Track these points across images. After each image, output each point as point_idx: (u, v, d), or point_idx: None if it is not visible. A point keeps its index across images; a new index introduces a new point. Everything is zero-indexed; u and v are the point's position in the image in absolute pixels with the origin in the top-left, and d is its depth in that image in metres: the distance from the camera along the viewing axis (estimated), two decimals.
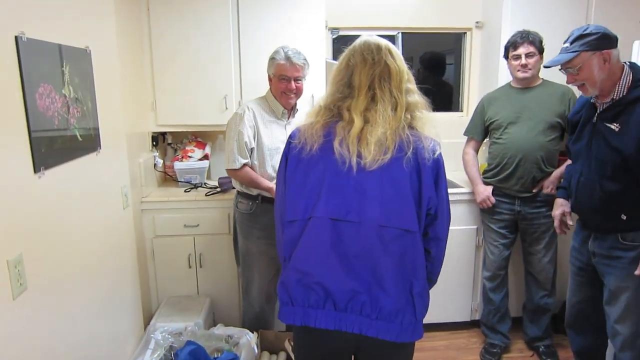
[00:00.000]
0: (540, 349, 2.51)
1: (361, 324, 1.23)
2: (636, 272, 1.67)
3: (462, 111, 3.20)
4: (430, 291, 2.65)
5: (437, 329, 2.75)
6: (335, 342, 1.29)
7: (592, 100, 1.80)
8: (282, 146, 1.42)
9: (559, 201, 2.03)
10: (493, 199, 2.43)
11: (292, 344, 2.03)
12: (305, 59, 2.13)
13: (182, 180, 2.72)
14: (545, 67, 1.88)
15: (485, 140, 2.56)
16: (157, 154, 2.71)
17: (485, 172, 2.51)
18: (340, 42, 2.88)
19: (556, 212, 2.03)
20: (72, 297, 1.48)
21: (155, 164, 2.67)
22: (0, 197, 1.12)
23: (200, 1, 2.50)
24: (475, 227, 2.64)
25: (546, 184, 2.32)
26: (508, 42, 2.34)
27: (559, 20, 2.65)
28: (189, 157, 2.77)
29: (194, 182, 2.70)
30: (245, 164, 2.12)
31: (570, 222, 2.00)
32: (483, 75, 3.04)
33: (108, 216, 1.80)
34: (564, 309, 2.69)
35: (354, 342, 1.28)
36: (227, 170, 2.18)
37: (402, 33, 3.02)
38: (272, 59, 2.14)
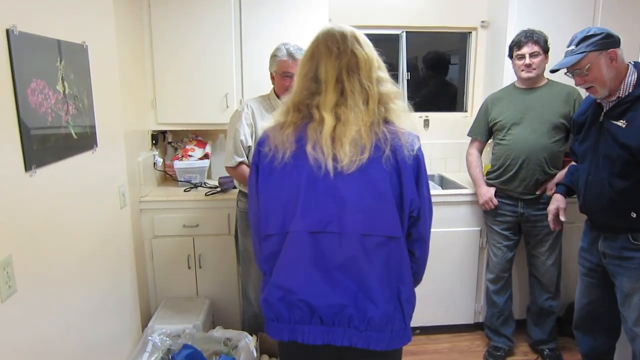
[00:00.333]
0: (545, 352, 2.47)
1: (351, 336, 1.18)
2: None
3: (466, 111, 3.16)
4: (433, 292, 2.61)
5: (440, 332, 2.72)
6: (322, 355, 1.24)
7: (598, 100, 1.80)
8: None
9: (556, 196, 2.08)
10: (495, 201, 2.39)
11: None
12: None
13: (182, 179, 2.69)
14: (551, 71, 1.88)
15: (489, 141, 2.52)
16: (157, 152, 2.68)
17: (488, 173, 2.48)
18: None
19: (551, 207, 2.07)
20: (65, 300, 1.45)
21: (154, 163, 2.64)
22: None
23: None
24: (478, 228, 2.60)
25: (550, 186, 2.28)
26: (512, 42, 2.31)
27: (565, 19, 2.62)
28: (189, 156, 2.74)
29: (194, 182, 2.67)
30: (241, 162, 2.10)
31: (562, 218, 2.03)
32: (488, 75, 3.01)
33: (104, 216, 1.76)
34: (568, 312, 2.68)
35: (343, 351, 1.23)
36: (225, 168, 2.19)
37: (406, 32, 2.98)
38: (273, 56, 2.11)
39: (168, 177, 2.81)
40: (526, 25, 2.33)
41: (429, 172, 3.11)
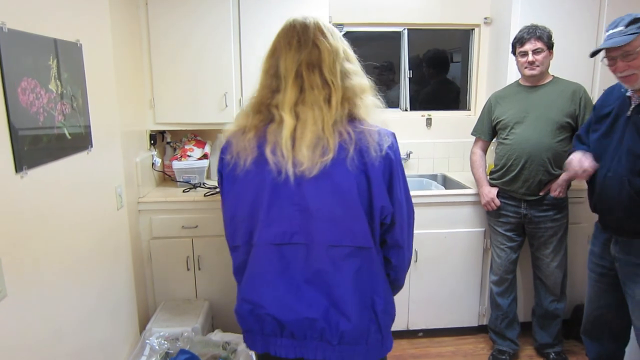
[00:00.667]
0: (551, 356, 2.43)
1: (324, 349, 1.12)
2: None
3: (469, 110, 3.12)
4: (436, 294, 2.53)
5: (443, 334, 2.68)
6: None
7: (628, 94, 1.69)
8: None
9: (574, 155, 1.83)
10: (498, 202, 2.35)
11: None
12: None
13: (181, 180, 2.65)
14: (592, 54, 1.70)
15: (494, 140, 2.48)
16: (156, 152, 2.64)
17: (491, 173, 2.44)
18: (346, 39, 2.80)
19: (572, 157, 1.83)
20: (59, 303, 1.41)
21: (153, 163, 2.61)
22: None
23: None
24: (482, 229, 2.56)
25: (554, 187, 2.23)
26: (515, 38, 2.26)
27: (570, 15, 2.58)
28: (188, 156, 2.70)
29: (193, 182, 2.63)
30: None
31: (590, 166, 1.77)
32: (491, 73, 2.96)
33: (100, 217, 1.73)
34: (575, 315, 2.64)
35: None
36: None
37: (408, 29, 2.94)
38: None
39: (167, 177, 2.78)
40: (530, 21, 2.28)
41: (431, 172, 3.11)
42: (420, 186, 2.91)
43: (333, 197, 1.05)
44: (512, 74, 2.57)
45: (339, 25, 2.87)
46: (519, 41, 2.22)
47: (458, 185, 2.74)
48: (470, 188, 2.57)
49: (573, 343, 2.59)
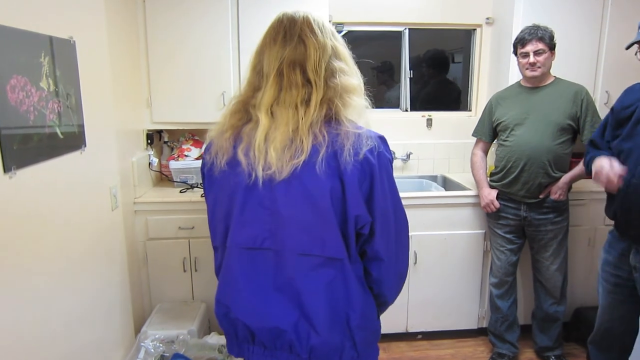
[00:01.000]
0: (551, 359, 2.40)
1: None
2: None
3: (470, 110, 3.09)
4: (435, 296, 2.46)
5: (442, 337, 2.66)
6: None
7: None
8: None
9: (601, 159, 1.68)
10: (497, 203, 2.32)
11: None
12: None
13: (178, 180, 2.62)
14: (628, 47, 1.62)
15: (495, 142, 2.46)
16: (152, 152, 2.62)
17: (491, 175, 2.42)
18: (346, 38, 2.78)
19: (602, 162, 1.65)
20: (51, 306, 1.39)
21: (150, 163, 2.58)
22: None
23: None
24: (482, 231, 2.53)
25: (554, 190, 2.21)
26: (516, 39, 2.23)
27: (573, 15, 2.56)
28: (185, 156, 2.67)
29: (190, 183, 2.61)
30: None
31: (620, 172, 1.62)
32: (493, 73, 2.94)
33: (95, 218, 1.70)
34: (575, 318, 2.62)
35: None
36: None
37: (409, 29, 2.91)
38: None
39: (164, 177, 2.75)
40: (532, 21, 2.26)
41: (432, 173, 3.09)
42: (420, 187, 2.89)
43: (304, 202, 0.99)
44: (514, 75, 2.54)
45: (339, 25, 2.84)
46: (520, 42, 2.19)
47: (458, 187, 2.71)
48: (470, 190, 2.55)
49: (573, 346, 2.57)
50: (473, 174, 2.47)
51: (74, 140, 1.51)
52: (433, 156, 3.04)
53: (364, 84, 1.09)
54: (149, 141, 2.60)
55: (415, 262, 2.49)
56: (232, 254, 1.06)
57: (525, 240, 2.40)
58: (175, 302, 2.42)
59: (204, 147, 2.71)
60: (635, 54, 1.60)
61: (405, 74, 2.98)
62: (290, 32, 1.02)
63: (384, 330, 1.25)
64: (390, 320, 2.43)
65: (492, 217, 2.40)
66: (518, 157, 2.21)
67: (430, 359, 2.51)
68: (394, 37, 2.94)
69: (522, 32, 2.20)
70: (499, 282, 2.42)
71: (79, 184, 1.58)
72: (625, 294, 1.75)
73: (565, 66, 2.43)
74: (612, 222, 1.79)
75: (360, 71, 1.11)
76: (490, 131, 2.40)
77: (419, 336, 2.66)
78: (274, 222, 1.02)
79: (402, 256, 1.12)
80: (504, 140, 2.29)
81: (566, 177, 2.21)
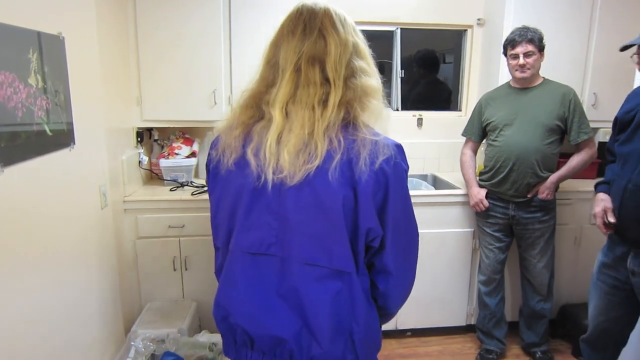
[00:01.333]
0: (537, 355, 2.45)
1: None
2: None
3: (460, 110, 3.12)
4: (425, 294, 2.45)
5: (431, 334, 2.68)
6: None
7: None
8: None
9: (600, 196, 1.78)
10: (486, 202, 2.35)
11: None
12: None
13: (168, 178, 2.61)
14: (622, 49, 1.60)
15: (484, 141, 2.48)
16: (142, 150, 2.59)
17: (480, 174, 2.44)
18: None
19: (597, 209, 1.76)
20: (39, 305, 1.38)
21: (139, 161, 2.56)
22: None
23: None
24: (471, 229, 2.56)
25: (541, 189, 2.24)
26: (506, 40, 2.25)
27: (562, 17, 2.59)
28: (176, 154, 2.66)
29: (181, 181, 2.59)
30: None
31: (612, 220, 1.71)
32: (483, 74, 2.96)
33: (83, 216, 1.69)
34: (561, 315, 2.66)
35: None
36: None
37: (400, 29, 2.92)
38: None
39: (154, 175, 2.73)
40: (523, 23, 2.28)
41: (422, 172, 3.11)
42: (411, 186, 2.90)
43: (315, 210, 0.94)
44: (504, 76, 2.56)
45: None
46: (510, 43, 2.22)
47: (448, 186, 2.73)
48: (460, 188, 2.57)
49: (559, 342, 2.62)
50: (462, 173, 2.50)
51: (63, 138, 1.49)
52: (423, 155, 3.06)
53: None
54: (139, 139, 2.57)
55: None
56: (235, 258, 1.02)
57: (513, 239, 2.43)
58: (165, 301, 2.40)
59: (194, 145, 2.71)
60: (632, 56, 1.59)
61: (397, 73, 2.99)
62: (310, 25, 0.95)
63: None
64: None
65: (481, 216, 2.43)
66: (507, 157, 2.24)
67: (419, 355, 2.53)
68: (386, 37, 2.95)
69: (512, 33, 2.22)
70: (487, 280, 2.45)
71: (68, 182, 1.56)
72: (622, 297, 1.77)
73: (554, 68, 2.46)
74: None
75: None
76: (479, 131, 2.42)
77: (408, 333, 2.68)
78: (281, 228, 0.97)
79: (410, 270, 1.07)
80: (493, 140, 2.32)
81: (554, 177, 2.24)
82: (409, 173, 1.03)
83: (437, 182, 2.95)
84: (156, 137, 2.77)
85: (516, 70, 2.22)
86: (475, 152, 2.49)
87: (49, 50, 1.39)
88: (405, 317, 2.61)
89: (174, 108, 2.50)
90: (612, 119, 1.83)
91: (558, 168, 2.27)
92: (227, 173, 1.00)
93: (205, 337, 2.04)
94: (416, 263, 1.10)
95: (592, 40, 2.62)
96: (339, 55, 0.94)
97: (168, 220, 2.38)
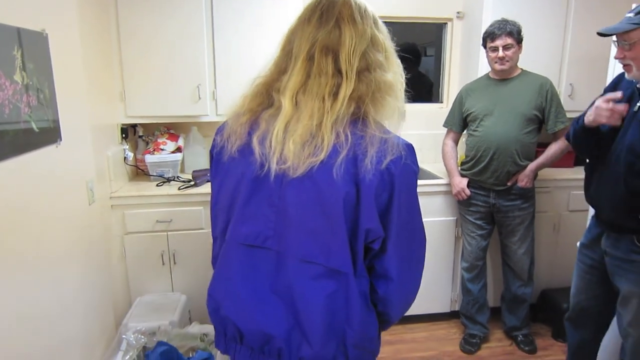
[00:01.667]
0: (519, 338, 2.53)
1: None
2: None
3: (442, 102, 3.17)
4: None
5: (417, 321, 2.75)
6: None
7: (638, 86, 1.61)
8: None
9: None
10: (468, 191, 2.41)
11: None
12: None
13: (154, 174, 2.61)
14: (598, 34, 1.59)
15: (465, 132, 2.54)
16: (127, 146, 2.59)
17: (462, 164, 2.50)
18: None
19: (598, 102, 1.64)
20: (30, 302, 1.39)
21: (125, 158, 2.56)
22: None
23: None
24: (454, 218, 2.62)
25: (521, 177, 2.31)
26: (486, 32, 2.30)
27: (539, 10, 2.65)
28: (161, 149, 2.66)
29: (167, 176, 2.60)
30: None
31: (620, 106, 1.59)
32: (463, 66, 3.02)
33: (71, 212, 1.69)
34: (541, 299, 2.75)
35: None
36: None
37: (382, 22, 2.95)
38: None
39: (140, 171, 2.73)
40: (501, 16, 2.34)
41: None
42: None
43: (315, 206, 0.91)
44: (483, 67, 2.61)
45: None
46: (490, 36, 2.26)
47: (430, 176, 2.79)
48: (442, 178, 2.63)
49: (539, 326, 2.71)
50: (444, 164, 2.55)
51: (50, 135, 1.50)
52: None
53: None
54: (124, 135, 2.57)
55: None
56: (231, 249, 1.00)
57: (494, 226, 2.50)
58: (155, 295, 2.42)
59: (179, 140, 2.72)
60: (613, 41, 1.59)
61: None
62: (327, 14, 0.92)
63: None
64: None
65: (463, 205, 2.49)
66: (487, 147, 2.30)
67: (405, 341, 2.59)
68: None
69: (491, 26, 2.27)
70: (470, 267, 2.51)
71: (56, 178, 1.57)
72: (598, 276, 1.83)
73: (532, 59, 2.52)
74: (577, 209, 1.86)
75: None
76: (460, 121, 2.48)
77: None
78: (279, 221, 0.94)
79: (413, 277, 1.02)
80: (474, 131, 2.38)
81: (532, 165, 2.31)
82: None
83: (420, 173, 2.99)
84: (141, 133, 2.76)
85: (495, 62, 2.28)
86: (456, 142, 2.55)
87: (33, 47, 1.39)
88: None
89: (158, 104, 2.50)
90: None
91: (536, 157, 2.35)
92: (230, 160, 0.97)
93: (196, 329, 2.06)
94: (421, 271, 1.05)
95: (568, 33, 2.70)
96: (353, 47, 0.90)
97: (155, 215, 2.39)
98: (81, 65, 1.84)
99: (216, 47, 2.49)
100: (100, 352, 1.93)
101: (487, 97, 2.35)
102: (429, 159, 3.14)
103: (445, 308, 2.76)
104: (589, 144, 1.73)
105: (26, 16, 1.38)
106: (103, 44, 2.29)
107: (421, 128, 3.10)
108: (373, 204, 0.90)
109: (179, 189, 2.44)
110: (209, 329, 2.07)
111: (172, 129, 2.78)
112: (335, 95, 0.89)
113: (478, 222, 2.46)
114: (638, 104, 1.59)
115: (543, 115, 2.29)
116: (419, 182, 2.66)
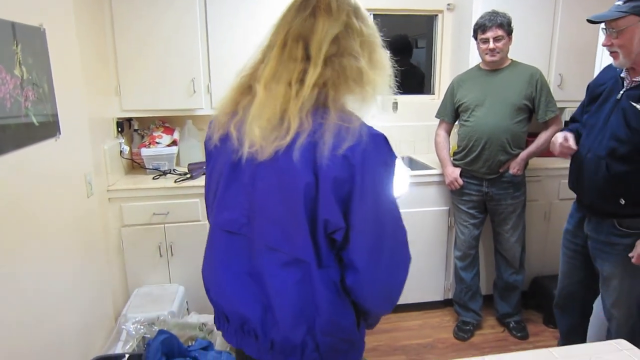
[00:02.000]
0: (511, 325, 2.58)
1: (259, 349, 1.01)
2: (633, 260, 1.63)
3: (433, 94, 3.21)
4: None
5: (411, 309, 2.80)
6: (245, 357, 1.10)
7: (622, 75, 1.67)
8: None
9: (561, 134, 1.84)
10: (461, 181, 2.46)
11: None
12: None
13: (150, 167, 2.63)
14: (588, 21, 1.63)
15: (457, 122, 2.58)
16: (123, 140, 2.60)
17: (454, 154, 2.54)
18: None
19: (559, 138, 1.81)
20: (30, 294, 1.41)
21: (121, 151, 2.57)
22: None
23: None
24: (447, 208, 2.67)
25: (512, 165, 2.35)
26: (476, 24, 2.33)
27: (529, 1, 2.67)
28: (157, 143, 2.68)
29: (163, 169, 2.62)
30: None
31: (572, 145, 1.77)
32: (454, 57, 3.05)
33: (70, 205, 1.72)
34: (532, 286, 2.81)
35: None
36: None
37: (373, 15, 2.98)
38: None
39: (136, 165, 2.75)
40: (492, 7, 2.37)
41: (398, 154, 3.13)
42: None
43: (277, 193, 0.92)
44: (474, 59, 2.64)
45: None
46: (480, 28, 2.29)
47: (423, 167, 2.83)
48: (435, 169, 2.67)
49: (531, 312, 2.76)
50: (437, 154, 2.59)
51: (49, 128, 1.52)
52: (399, 138, 3.14)
53: None
54: (120, 129, 2.58)
55: None
56: (214, 235, 1.05)
57: (486, 215, 2.55)
58: (152, 286, 2.45)
59: (174, 134, 2.73)
60: (602, 28, 1.64)
61: None
62: (306, 3, 0.94)
63: None
64: None
65: (456, 194, 2.54)
66: (479, 137, 2.34)
67: (400, 330, 2.64)
68: None
69: (482, 17, 2.30)
70: (463, 255, 2.56)
71: (55, 171, 1.59)
72: (582, 260, 1.89)
73: (522, 50, 2.56)
74: (567, 198, 1.92)
75: None
76: (452, 112, 2.52)
77: None
78: (251, 208, 0.96)
79: (385, 270, 0.98)
80: (465, 121, 2.42)
81: (523, 154, 2.36)
82: None
83: (413, 164, 3.04)
84: (136, 127, 2.78)
85: (486, 54, 2.31)
86: (448, 133, 2.59)
87: (31, 41, 1.41)
88: None
89: (153, 97, 2.51)
90: (577, 98, 1.92)
91: (527, 146, 2.39)
92: (215, 149, 1.02)
93: (194, 318, 2.10)
94: (400, 262, 1.03)
95: (557, 24, 2.74)
96: (324, 34, 0.90)
97: (152, 207, 2.41)
98: (78, 60, 1.85)
99: (210, 41, 2.51)
100: (100, 343, 1.96)
101: (478, 87, 2.38)
102: (422, 149, 3.18)
103: (438, 296, 2.81)
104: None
105: (24, 11, 1.40)
106: (98, 38, 2.30)
107: (413, 119, 3.14)
108: (331, 194, 0.88)
109: (175, 181, 2.47)
110: (208, 318, 2.10)
111: (168, 123, 2.80)
112: (302, 81, 0.90)
113: (471, 211, 2.50)
114: (621, 92, 1.64)
115: (533, 104, 2.33)
116: (412, 172, 2.74)
